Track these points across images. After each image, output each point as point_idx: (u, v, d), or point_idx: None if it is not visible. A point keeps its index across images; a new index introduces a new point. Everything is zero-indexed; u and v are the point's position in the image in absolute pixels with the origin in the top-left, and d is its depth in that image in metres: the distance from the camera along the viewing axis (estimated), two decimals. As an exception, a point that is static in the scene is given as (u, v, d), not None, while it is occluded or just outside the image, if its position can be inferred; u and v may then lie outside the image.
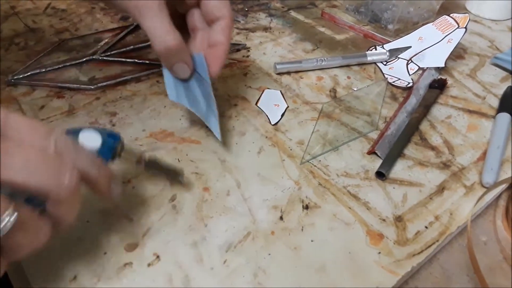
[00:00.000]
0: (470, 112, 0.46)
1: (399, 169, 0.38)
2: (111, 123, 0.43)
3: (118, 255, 0.31)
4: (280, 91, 0.47)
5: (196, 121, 0.43)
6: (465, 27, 0.52)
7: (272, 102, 0.46)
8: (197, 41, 0.40)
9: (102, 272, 0.30)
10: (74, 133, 0.28)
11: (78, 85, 0.47)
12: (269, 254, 0.32)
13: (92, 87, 0.46)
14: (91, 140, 0.29)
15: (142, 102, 0.46)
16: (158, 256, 0.31)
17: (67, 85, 0.47)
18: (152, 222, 0.34)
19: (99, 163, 0.27)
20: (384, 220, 0.34)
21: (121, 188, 0.29)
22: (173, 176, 0.36)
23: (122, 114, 0.44)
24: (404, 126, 0.43)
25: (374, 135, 0.42)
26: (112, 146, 0.30)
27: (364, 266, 0.31)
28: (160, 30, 0.35)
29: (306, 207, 0.35)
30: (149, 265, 0.31)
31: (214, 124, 0.39)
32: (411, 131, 0.42)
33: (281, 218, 0.34)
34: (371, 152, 0.40)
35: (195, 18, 0.40)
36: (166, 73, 0.40)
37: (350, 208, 0.35)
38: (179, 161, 0.39)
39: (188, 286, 0.30)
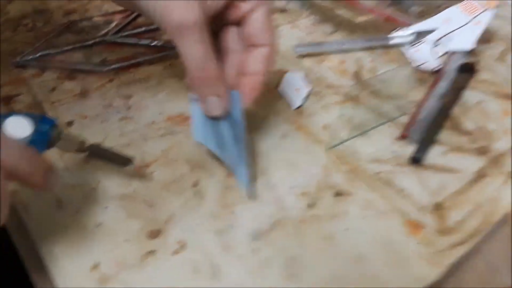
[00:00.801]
0: (503, 96, 0.44)
1: (434, 155, 0.36)
2: (126, 106, 0.40)
3: (140, 243, 0.29)
4: (301, 74, 0.45)
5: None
6: (493, 9, 0.50)
7: (293, 86, 0.44)
8: (227, 65, 0.34)
9: (124, 260, 0.28)
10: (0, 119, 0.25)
11: (90, 67, 0.44)
12: (301, 244, 0.30)
13: (105, 68, 0.44)
14: (19, 127, 0.25)
15: (157, 85, 0.43)
16: (183, 244, 0.29)
17: (78, 67, 0.44)
18: (174, 208, 0.31)
19: (31, 155, 0.24)
20: (421, 208, 0.32)
21: (59, 177, 0.26)
22: (121, 164, 0.32)
23: (138, 97, 0.42)
24: (435, 111, 0.41)
25: (404, 119, 0.40)
26: (46, 133, 0.26)
27: (404, 257, 0.29)
28: (199, 56, 0.29)
29: (337, 194, 0.33)
30: (174, 253, 0.29)
31: (242, 173, 0.33)
32: (443, 116, 0.40)
33: (310, 205, 0.32)
34: (403, 137, 0.37)
35: (229, 37, 0.34)
36: (194, 107, 0.33)
37: (384, 195, 0.33)
38: (199, 146, 0.37)
39: (217, 275, 0.28)
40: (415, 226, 0.31)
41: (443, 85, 0.44)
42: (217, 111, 0.32)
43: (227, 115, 0.32)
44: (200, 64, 0.30)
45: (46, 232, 0.30)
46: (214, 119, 0.33)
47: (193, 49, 0.29)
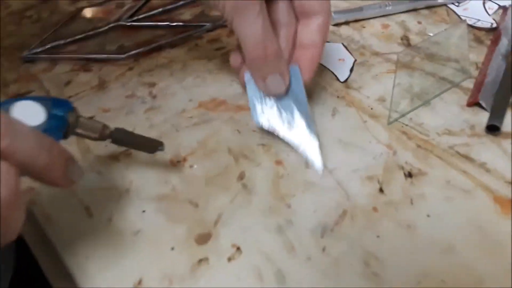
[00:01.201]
0: None
1: (510, 121, 0.31)
2: (151, 95, 0.36)
3: (189, 250, 0.25)
4: (342, 43, 0.40)
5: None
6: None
7: (335, 57, 0.39)
8: (280, 40, 0.31)
9: (172, 272, 0.24)
10: (5, 105, 0.21)
11: (106, 55, 0.40)
12: (378, 236, 0.25)
13: (123, 56, 0.40)
14: (30, 114, 0.21)
15: (182, 69, 0.39)
16: (238, 248, 0.25)
17: (93, 56, 0.40)
18: (222, 206, 0.27)
19: (50, 144, 0.20)
20: (511, 182, 0.27)
21: (82, 169, 0.22)
22: (151, 149, 0.28)
23: (162, 84, 0.37)
24: (502, 71, 0.35)
25: (468, 84, 0.35)
26: (62, 119, 0.22)
27: (501, 242, 0.24)
28: (260, 33, 0.28)
29: (409, 175, 0.28)
30: (229, 259, 0.24)
31: (315, 152, 0.29)
32: (513, 76, 0.35)
33: (380, 190, 0.27)
34: (473, 103, 0.32)
35: (280, 10, 0.31)
36: (251, 89, 0.31)
37: (464, 172, 0.28)
38: (239, 132, 0.32)
39: (283, 282, 0.23)
40: (507, 204, 0.26)
41: (504, 43, 0.39)
42: (280, 89, 0.30)
43: (288, 92, 0.31)
44: (260, 42, 0.28)
45: (74, 246, 0.25)
46: (276, 98, 0.31)
47: (253, 26, 0.27)
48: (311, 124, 0.30)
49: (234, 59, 0.32)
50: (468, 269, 0.23)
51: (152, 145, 0.27)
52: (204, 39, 0.42)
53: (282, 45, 0.30)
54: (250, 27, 0.27)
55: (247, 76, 0.31)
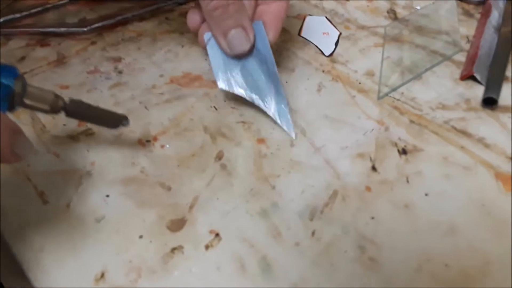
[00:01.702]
0: None
1: (508, 94, 0.29)
2: (116, 70, 0.32)
3: (160, 238, 0.22)
4: (325, 17, 0.37)
5: (228, 60, 0.33)
6: None
7: (319, 31, 0.36)
8: None
9: (141, 264, 0.21)
10: None
11: (66, 29, 0.36)
12: (373, 218, 0.22)
13: (85, 29, 0.35)
14: None
15: (152, 44, 0.35)
16: (217, 234, 0.22)
17: (51, 29, 0.36)
18: (198, 189, 0.24)
19: None
20: (512, 158, 0.25)
21: (31, 144, 0.19)
22: (112, 123, 0.24)
23: (130, 59, 0.33)
24: (495, 43, 0.33)
25: (460, 57, 0.33)
26: (6, 88, 0.19)
27: (506, 221, 0.22)
28: None
29: (404, 152, 0.26)
30: (207, 247, 0.21)
31: (284, 115, 0.27)
32: (506, 48, 0.33)
33: (373, 168, 0.25)
34: (467, 76, 0.30)
35: None
36: (212, 50, 0.28)
37: (462, 147, 0.26)
38: (216, 109, 0.29)
39: (269, 270, 0.20)
40: (510, 180, 0.24)
41: (495, 15, 0.37)
42: (243, 46, 0.26)
43: (252, 51, 0.27)
44: None
45: (27, 237, 0.22)
46: (239, 58, 0.27)
47: None
48: (279, 86, 0.27)
49: (192, 18, 0.29)
50: (473, 251, 0.21)
51: (114, 119, 0.24)
52: (175, 12, 0.38)
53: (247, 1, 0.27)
54: None
55: (207, 36, 0.28)
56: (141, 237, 0.22)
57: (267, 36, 0.27)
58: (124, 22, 0.37)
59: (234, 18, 0.26)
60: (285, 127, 0.27)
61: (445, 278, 0.20)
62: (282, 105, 0.27)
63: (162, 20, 0.38)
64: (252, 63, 0.28)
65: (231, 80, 0.28)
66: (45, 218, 0.23)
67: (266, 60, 0.27)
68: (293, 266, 0.21)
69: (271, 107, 0.27)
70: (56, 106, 0.21)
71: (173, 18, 0.38)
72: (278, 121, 0.27)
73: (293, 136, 0.27)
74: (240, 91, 0.28)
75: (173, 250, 0.21)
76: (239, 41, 0.26)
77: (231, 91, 0.28)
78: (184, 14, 0.38)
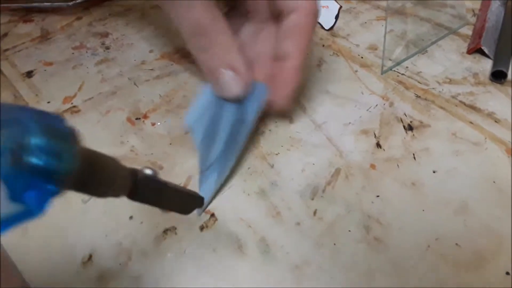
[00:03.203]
0: None
1: (517, 68, 0.28)
2: (103, 46, 0.30)
3: (151, 219, 0.20)
4: (325, -10, 0.36)
5: (223, 34, 0.31)
6: None
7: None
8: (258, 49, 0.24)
9: (131, 246, 0.19)
10: None
11: (50, 3, 0.34)
12: (378, 196, 0.21)
13: (70, 3, 0.33)
14: None
15: (141, 19, 0.33)
16: (213, 214, 0.20)
17: (35, 4, 0.34)
18: (192, 168, 0.22)
19: None
20: (524, 133, 0.24)
21: None
22: (185, 208, 0.18)
23: (117, 34, 0.32)
24: (502, 16, 0.32)
25: (466, 30, 0.31)
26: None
27: (521, 198, 0.21)
28: (200, 11, 0.20)
29: (410, 128, 0.24)
30: (202, 228, 0.20)
31: (207, 188, 0.21)
32: (514, 21, 0.31)
33: (378, 145, 0.23)
34: (474, 49, 0.29)
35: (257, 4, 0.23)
36: (204, 91, 0.23)
37: (471, 123, 0.24)
38: (210, 85, 0.27)
39: (269, 252, 0.19)
40: (523, 157, 0.23)
41: (501, -11, 0.35)
42: (233, 89, 0.21)
43: (238, 109, 0.22)
44: (203, 21, 0.20)
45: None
46: (220, 109, 0.22)
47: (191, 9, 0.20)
48: (232, 157, 0.22)
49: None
50: (485, 230, 0.20)
51: (189, 203, 0.18)
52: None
53: (263, 54, 0.23)
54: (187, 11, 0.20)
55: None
56: (131, 218, 0.20)
57: (262, 101, 0.22)
58: None
59: (223, 58, 0.21)
60: (200, 191, 0.21)
61: (456, 258, 0.19)
62: (214, 178, 0.21)
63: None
64: (228, 119, 0.22)
65: (198, 122, 0.22)
66: (28, 200, 0.21)
67: (243, 125, 0.22)
68: (294, 247, 0.19)
69: (204, 168, 0.22)
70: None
71: (164, -8, 0.36)
72: (198, 187, 0.21)
73: (198, 214, 0.20)
74: (196, 136, 0.22)
75: (166, 231, 0.20)
76: (229, 84, 0.21)
77: (190, 130, 0.23)
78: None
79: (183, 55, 0.30)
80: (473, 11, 0.33)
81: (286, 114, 0.25)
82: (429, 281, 0.18)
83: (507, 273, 0.18)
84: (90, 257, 0.19)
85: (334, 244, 0.19)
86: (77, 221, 0.20)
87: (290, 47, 0.22)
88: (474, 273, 0.18)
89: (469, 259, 0.19)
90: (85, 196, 0.21)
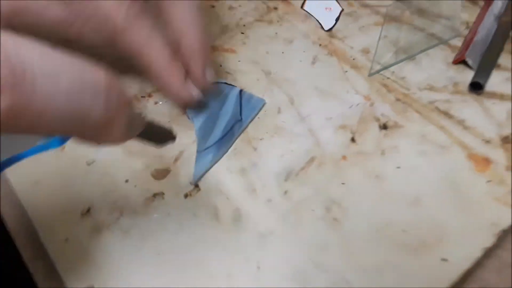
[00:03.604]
0: None
1: (496, 81, 0.30)
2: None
3: (144, 184, 0.23)
4: (331, -8, 0.38)
5: (228, 27, 0.34)
6: None
7: (322, 5, 0.36)
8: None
9: (124, 204, 0.23)
10: None
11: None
12: (343, 184, 0.24)
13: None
14: None
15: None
16: (197, 185, 0.24)
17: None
18: (185, 144, 0.26)
19: None
20: (488, 141, 0.26)
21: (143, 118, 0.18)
22: (159, 140, 0.22)
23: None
24: (493, 31, 0.34)
25: (456, 42, 0.33)
26: None
27: (472, 198, 0.23)
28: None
29: (384, 127, 0.27)
30: (186, 196, 0.23)
31: (203, 162, 0.25)
32: (503, 37, 0.33)
33: (352, 140, 0.26)
34: (459, 61, 0.31)
35: None
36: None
37: (442, 127, 0.27)
38: (212, 72, 0.30)
39: (240, 221, 0.22)
40: (482, 162, 0.25)
41: (498, 4, 0.37)
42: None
43: (236, 110, 0.27)
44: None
45: (25, 170, 0.24)
46: (219, 108, 0.27)
47: None
48: (226, 144, 0.26)
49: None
50: (432, 222, 0.22)
51: (163, 136, 0.22)
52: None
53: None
54: None
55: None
56: (126, 181, 0.24)
57: (258, 111, 0.27)
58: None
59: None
60: (195, 168, 0.24)
61: (401, 242, 0.21)
62: (209, 159, 0.25)
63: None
64: (226, 115, 0.26)
65: (198, 113, 0.26)
66: (43, 158, 0.25)
67: (240, 123, 0.26)
68: (262, 219, 0.22)
69: (201, 150, 0.25)
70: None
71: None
72: (193, 164, 0.25)
73: (194, 181, 0.24)
74: (194, 124, 0.26)
75: (155, 195, 0.23)
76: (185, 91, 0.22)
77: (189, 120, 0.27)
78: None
79: (191, 43, 0.33)
80: (467, 23, 0.35)
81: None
82: (373, 258, 0.21)
83: (444, 259, 0.21)
84: (89, 210, 0.22)
85: (297, 220, 0.22)
86: (81, 179, 0.24)
87: (183, 24, 0.22)
88: (414, 256, 0.21)
89: (412, 244, 0.21)
90: (89, 159, 0.24)
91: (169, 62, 0.21)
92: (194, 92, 0.23)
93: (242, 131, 0.26)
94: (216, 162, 0.25)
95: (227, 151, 0.25)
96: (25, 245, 0.22)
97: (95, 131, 0.14)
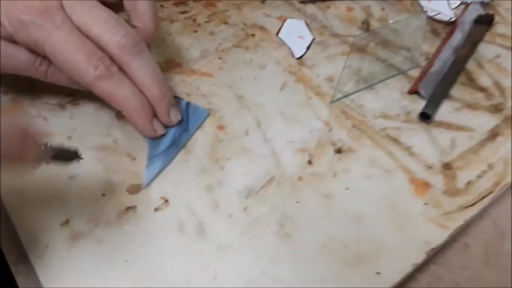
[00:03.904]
0: (522, 52, 0.40)
1: (446, 111, 0.33)
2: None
3: (119, 198, 0.26)
4: (305, 21, 0.41)
5: (208, 51, 0.37)
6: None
7: (295, 34, 0.40)
8: None
9: (100, 216, 0.25)
10: None
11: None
12: (297, 202, 0.27)
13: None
14: None
15: (144, 29, 0.39)
16: (166, 200, 0.26)
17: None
18: (158, 162, 0.28)
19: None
20: (430, 167, 0.29)
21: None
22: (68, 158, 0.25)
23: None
24: (449, 64, 0.37)
25: (415, 73, 0.36)
26: None
27: (409, 219, 0.26)
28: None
29: (339, 151, 0.30)
30: (156, 209, 0.26)
31: (153, 168, 0.28)
32: (457, 69, 0.36)
33: (309, 162, 0.29)
34: (413, 91, 0.34)
35: None
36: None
37: (390, 153, 0.30)
38: (188, 95, 0.33)
39: (202, 234, 0.25)
40: (422, 186, 0.28)
41: (457, 37, 0.40)
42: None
43: (183, 123, 0.30)
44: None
45: (11, 183, 0.27)
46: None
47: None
48: (174, 153, 0.29)
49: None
50: (372, 239, 0.25)
51: (69, 155, 0.25)
52: (170, 0, 0.42)
53: None
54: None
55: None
56: (103, 195, 0.26)
57: (202, 121, 0.31)
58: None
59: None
60: (146, 175, 0.27)
61: (342, 256, 0.24)
62: (158, 166, 0.28)
63: (156, 7, 0.42)
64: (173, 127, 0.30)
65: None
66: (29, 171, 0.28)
67: (187, 133, 0.30)
68: (223, 233, 0.25)
69: (151, 158, 0.28)
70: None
71: (167, 6, 0.42)
72: (145, 169, 0.28)
73: (144, 184, 0.27)
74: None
75: (128, 208, 0.26)
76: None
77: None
78: (177, 4, 0.42)
79: (171, 66, 0.35)
80: (427, 55, 0.38)
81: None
82: (317, 271, 0.24)
83: (378, 273, 0.24)
84: (67, 220, 0.25)
85: (254, 234, 0.25)
86: (63, 192, 0.26)
87: (140, 78, 0.27)
88: (352, 269, 0.24)
89: (351, 258, 0.24)
90: (72, 174, 0.27)
91: (137, 107, 0.27)
92: (158, 130, 0.29)
93: (188, 139, 0.30)
94: (164, 168, 0.28)
95: (174, 157, 0.29)
96: (10, 250, 0.25)
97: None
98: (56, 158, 0.23)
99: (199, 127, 0.31)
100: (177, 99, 0.32)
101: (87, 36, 0.26)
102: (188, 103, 0.32)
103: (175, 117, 0.29)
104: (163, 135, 0.29)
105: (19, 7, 0.24)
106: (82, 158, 0.25)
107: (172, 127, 0.30)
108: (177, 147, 0.29)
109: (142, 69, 0.27)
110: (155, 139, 0.29)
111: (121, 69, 0.26)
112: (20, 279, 0.24)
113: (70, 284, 0.23)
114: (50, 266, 0.23)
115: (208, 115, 0.32)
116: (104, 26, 0.25)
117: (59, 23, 0.24)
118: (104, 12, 0.26)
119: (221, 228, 0.25)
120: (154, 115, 0.28)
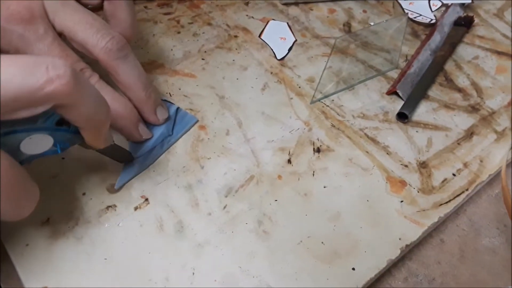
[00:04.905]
0: (498, 53, 0.41)
1: (423, 111, 0.34)
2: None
3: (99, 197, 0.27)
4: (287, 23, 0.42)
5: (191, 52, 0.37)
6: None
7: (277, 35, 0.40)
8: None
9: (80, 215, 0.26)
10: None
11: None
12: (276, 200, 0.27)
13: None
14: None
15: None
16: (147, 199, 0.27)
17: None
18: (140, 161, 0.29)
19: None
20: (406, 166, 0.30)
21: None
22: (122, 158, 0.28)
23: (105, 42, 0.38)
24: (428, 65, 0.38)
25: (394, 74, 0.37)
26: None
27: (385, 216, 0.27)
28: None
29: (318, 150, 0.30)
30: (136, 208, 0.26)
31: (128, 172, 0.28)
32: (435, 70, 0.37)
33: (289, 161, 0.30)
34: (391, 92, 0.35)
35: None
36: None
37: (367, 152, 0.30)
38: (170, 95, 0.34)
39: (181, 232, 0.25)
40: (398, 184, 0.29)
41: (436, 39, 0.41)
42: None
43: (168, 126, 0.30)
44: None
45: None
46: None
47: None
48: (152, 157, 0.29)
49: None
50: (348, 235, 0.26)
51: (124, 156, 0.28)
52: (155, 1, 0.43)
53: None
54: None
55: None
56: (84, 194, 0.27)
57: (189, 127, 0.31)
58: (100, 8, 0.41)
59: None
60: (120, 178, 0.27)
61: (318, 252, 0.25)
62: (135, 169, 0.28)
63: (140, 8, 0.42)
64: (157, 129, 0.30)
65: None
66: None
67: (170, 138, 0.30)
68: (201, 230, 0.26)
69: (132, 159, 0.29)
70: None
71: (152, 7, 0.42)
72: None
73: (115, 187, 0.27)
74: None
75: (108, 207, 0.26)
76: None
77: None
78: (161, 5, 0.43)
79: (154, 66, 0.36)
80: (406, 56, 0.39)
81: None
82: (293, 266, 0.24)
83: (353, 269, 0.24)
84: (48, 219, 0.25)
85: (232, 231, 0.26)
86: (43, 191, 0.26)
87: (124, 83, 0.27)
88: (328, 265, 0.24)
89: (327, 255, 0.25)
90: (53, 173, 0.28)
91: (120, 113, 0.27)
92: (144, 135, 0.29)
93: (171, 145, 0.30)
94: (140, 172, 0.28)
95: (153, 162, 0.29)
96: (-11, 249, 0.25)
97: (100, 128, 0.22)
98: (111, 152, 0.26)
99: (185, 133, 0.31)
100: (168, 104, 0.32)
101: (71, 40, 0.26)
102: (178, 109, 0.32)
103: (162, 115, 0.30)
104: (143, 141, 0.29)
105: (4, 13, 0.24)
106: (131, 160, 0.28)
107: (160, 125, 0.30)
108: (158, 152, 0.29)
109: (128, 72, 0.27)
110: (137, 142, 0.29)
111: (107, 73, 0.27)
112: (1, 277, 0.24)
113: (51, 282, 0.23)
114: (31, 265, 0.24)
115: (196, 122, 0.32)
116: (89, 30, 0.25)
117: (42, 33, 0.25)
118: (89, 16, 0.26)
119: (200, 226, 0.26)
120: (140, 119, 0.29)
